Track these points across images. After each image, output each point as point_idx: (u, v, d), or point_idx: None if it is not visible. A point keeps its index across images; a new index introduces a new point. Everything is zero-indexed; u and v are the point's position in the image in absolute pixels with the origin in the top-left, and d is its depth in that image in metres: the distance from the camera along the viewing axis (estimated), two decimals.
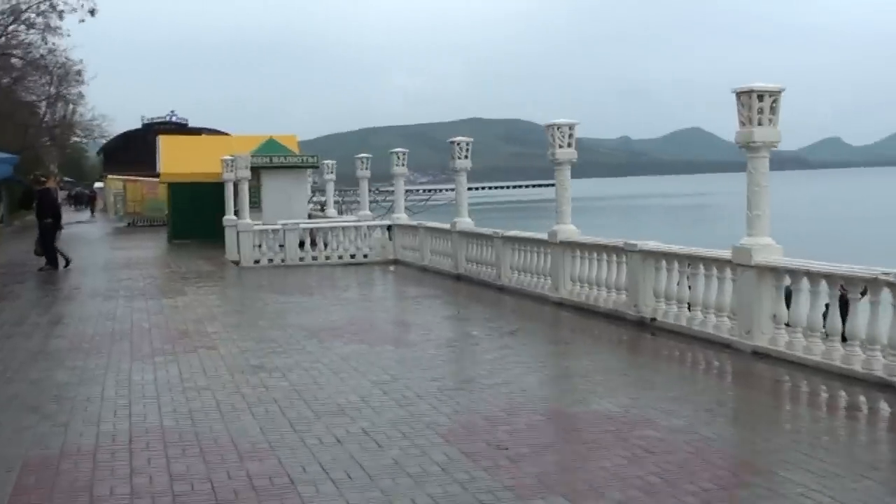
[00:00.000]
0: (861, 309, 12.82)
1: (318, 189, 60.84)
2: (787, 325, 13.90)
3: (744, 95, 14.25)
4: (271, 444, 9.51)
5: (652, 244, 17.32)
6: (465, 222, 26.38)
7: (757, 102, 14.12)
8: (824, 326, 13.23)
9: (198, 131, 73.75)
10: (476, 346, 15.34)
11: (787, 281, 13.97)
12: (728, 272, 15.05)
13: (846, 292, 13.20)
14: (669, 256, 16.75)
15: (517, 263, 22.72)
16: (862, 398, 11.38)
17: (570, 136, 20.44)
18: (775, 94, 14.20)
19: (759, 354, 13.86)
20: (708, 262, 15.59)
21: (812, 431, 10.11)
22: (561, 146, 20.37)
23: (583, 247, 19.75)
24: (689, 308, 16.16)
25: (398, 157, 32.47)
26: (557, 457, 9.08)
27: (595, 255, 19.27)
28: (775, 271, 14.09)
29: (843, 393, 11.70)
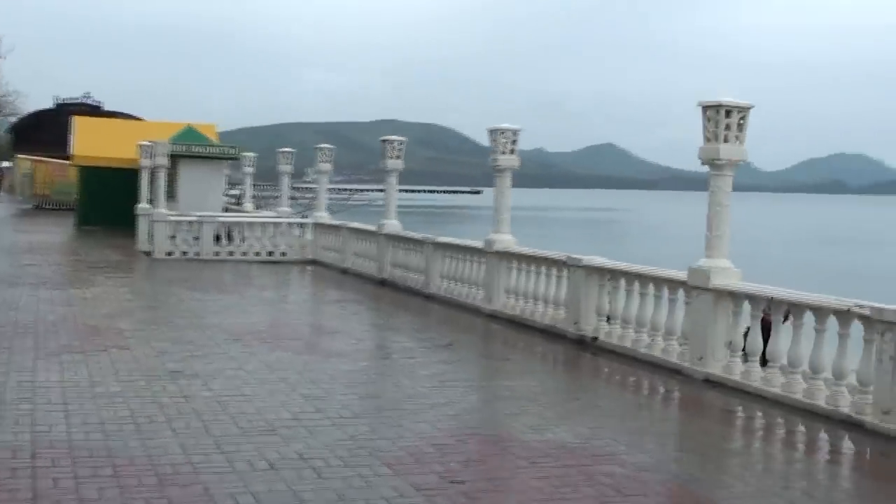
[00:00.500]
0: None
1: (233, 182, 59.36)
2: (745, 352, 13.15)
3: (710, 110, 13.47)
4: (195, 467, 8.40)
5: (598, 260, 16.47)
6: (393, 225, 25.35)
7: (724, 118, 13.34)
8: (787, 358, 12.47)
9: (112, 115, 71.62)
10: (411, 359, 14.30)
11: (747, 307, 13.18)
12: (681, 294, 14.25)
13: (768, 315, 12.83)
14: (616, 274, 15.92)
15: (448, 271, 21.75)
16: (824, 435, 10.65)
17: (514, 142, 19.56)
18: (744, 111, 13.45)
19: (712, 382, 13.08)
20: (660, 281, 14.76)
21: (787, 473, 9.30)
22: (503, 152, 19.48)
23: (521, 258, 18.86)
24: (633, 330, 15.31)
25: (324, 154, 31.35)
26: (521, 496, 8.09)
27: (534, 267, 18.40)
28: (734, 296, 13.31)
29: (803, 428, 10.96)
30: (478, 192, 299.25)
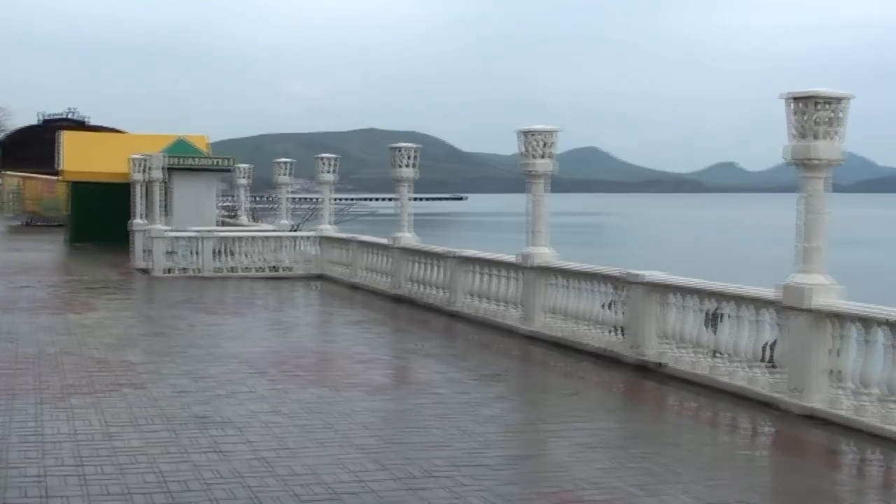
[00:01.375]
0: None
1: (225, 194, 57.60)
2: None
3: (800, 102, 11.84)
4: None
5: (660, 275, 14.82)
6: (409, 238, 23.69)
7: (818, 111, 11.71)
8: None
9: (97, 129, 69.88)
10: (464, 394, 12.56)
11: (854, 332, 11.53)
12: (768, 315, 12.59)
13: None
14: (685, 291, 14.26)
15: (475, 288, 20.06)
16: None
17: (550, 144, 17.89)
18: (841, 102, 11.79)
19: (814, 419, 11.42)
20: (742, 300, 13.10)
21: None
22: (537, 157, 17.80)
23: (564, 273, 17.21)
24: (707, 355, 13.65)
25: (326, 164, 29.63)
26: None
27: (581, 283, 16.77)
28: (839, 318, 11.64)
29: None
30: (461, 199, 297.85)
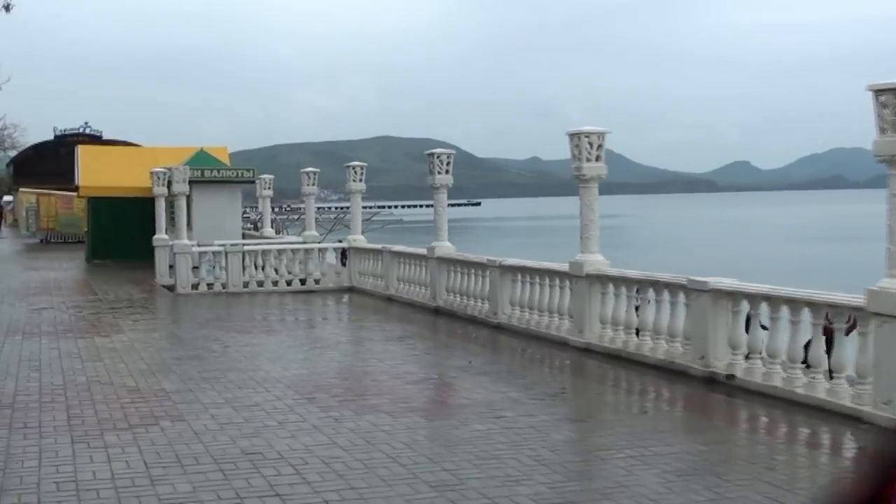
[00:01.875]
0: None
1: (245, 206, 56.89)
2: None
3: (887, 94, 10.88)
4: None
5: (728, 282, 13.84)
6: (446, 247, 22.75)
7: None
8: None
9: (112, 143, 69.26)
10: (530, 417, 11.58)
11: None
12: (872, 325, 11.48)
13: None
14: (755, 298, 13.26)
15: (521, 298, 19.10)
16: None
17: (600, 146, 16.93)
18: None
19: None
20: (819, 307, 12.11)
21: None
22: (588, 160, 16.84)
23: (620, 282, 16.23)
24: (783, 366, 12.66)
25: (355, 172, 28.71)
26: None
27: (633, 292, 15.81)
28: None
29: None
30: (476, 204, 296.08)
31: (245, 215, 53.26)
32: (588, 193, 17.07)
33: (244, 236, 37.38)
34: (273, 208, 63.70)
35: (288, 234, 42.62)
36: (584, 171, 16.86)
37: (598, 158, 16.90)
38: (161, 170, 31.44)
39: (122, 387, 13.48)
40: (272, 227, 42.46)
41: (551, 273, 18.12)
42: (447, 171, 22.94)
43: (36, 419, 11.52)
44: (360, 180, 28.71)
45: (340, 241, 31.07)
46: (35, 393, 13.11)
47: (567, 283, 17.51)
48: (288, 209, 72.07)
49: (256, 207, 51.90)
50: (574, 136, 16.91)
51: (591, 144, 16.85)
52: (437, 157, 22.88)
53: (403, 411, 11.78)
